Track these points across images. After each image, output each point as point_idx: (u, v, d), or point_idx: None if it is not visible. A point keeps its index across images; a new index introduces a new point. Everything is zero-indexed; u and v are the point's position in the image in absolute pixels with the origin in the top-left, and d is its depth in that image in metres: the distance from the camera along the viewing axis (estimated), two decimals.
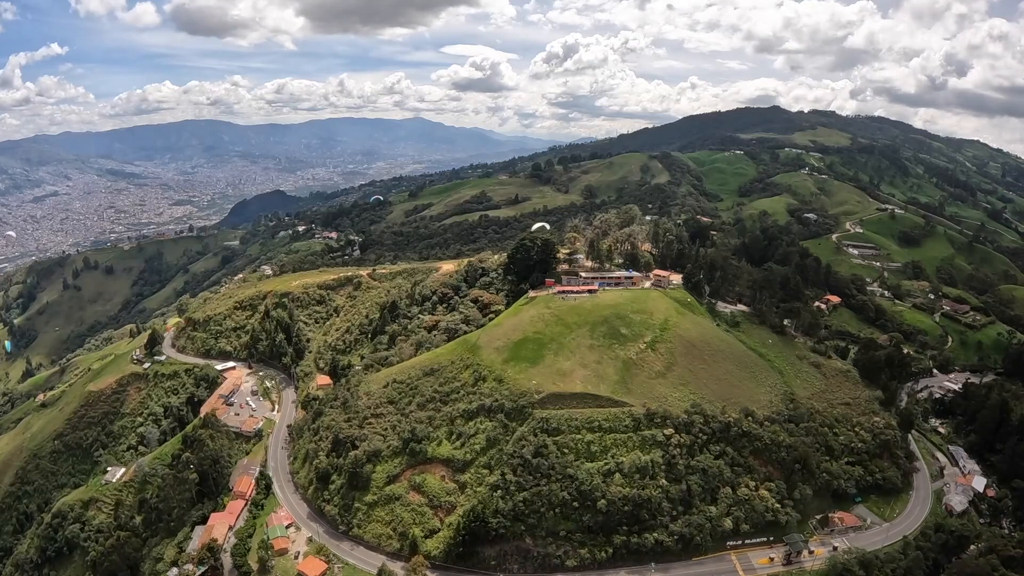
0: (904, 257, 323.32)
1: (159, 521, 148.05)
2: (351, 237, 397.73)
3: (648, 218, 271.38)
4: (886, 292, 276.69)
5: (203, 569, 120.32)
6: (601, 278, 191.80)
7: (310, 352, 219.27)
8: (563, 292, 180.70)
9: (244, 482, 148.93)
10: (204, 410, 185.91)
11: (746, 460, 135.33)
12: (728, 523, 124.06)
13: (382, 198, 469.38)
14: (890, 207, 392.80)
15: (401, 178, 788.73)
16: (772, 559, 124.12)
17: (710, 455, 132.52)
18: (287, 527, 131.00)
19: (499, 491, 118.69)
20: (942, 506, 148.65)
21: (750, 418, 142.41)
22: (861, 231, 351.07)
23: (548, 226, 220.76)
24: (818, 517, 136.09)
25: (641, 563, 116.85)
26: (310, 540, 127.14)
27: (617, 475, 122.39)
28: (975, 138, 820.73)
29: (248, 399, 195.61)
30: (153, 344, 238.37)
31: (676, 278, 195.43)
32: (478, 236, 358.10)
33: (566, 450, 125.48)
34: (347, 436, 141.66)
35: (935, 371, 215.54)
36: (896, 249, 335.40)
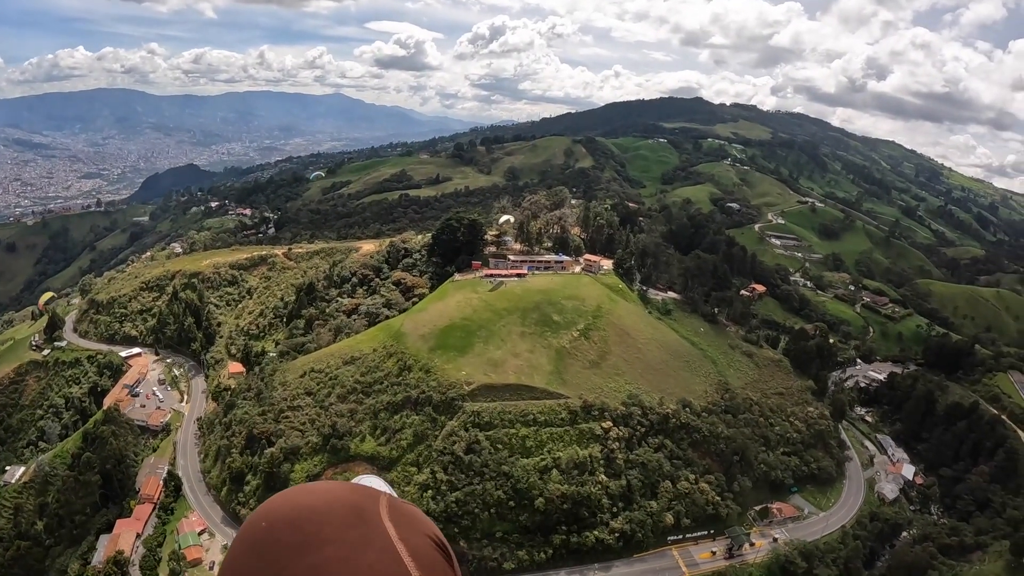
0: (825, 249, 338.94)
1: (61, 527, 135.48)
2: (266, 214, 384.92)
3: (575, 202, 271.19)
4: (808, 283, 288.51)
5: None
6: (531, 262, 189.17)
7: (221, 337, 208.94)
8: (491, 276, 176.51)
9: (151, 483, 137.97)
10: (107, 402, 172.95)
11: (685, 453, 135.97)
12: (669, 518, 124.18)
13: (323, 173, 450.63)
14: (810, 200, 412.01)
15: (319, 155, 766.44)
16: (714, 553, 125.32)
17: (649, 448, 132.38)
18: (200, 534, 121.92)
19: (430, 491, 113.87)
20: (875, 494, 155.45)
21: (688, 409, 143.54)
22: (783, 222, 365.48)
23: (513, 219, 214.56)
24: (757, 508, 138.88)
25: (582, 563, 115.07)
26: (225, 548, 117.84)
27: (554, 471, 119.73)
28: (890, 139, 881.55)
29: (155, 389, 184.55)
30: (53, 329, 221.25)
31: (607, 263, 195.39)
32: (398, 216, 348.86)
33: (500, 445, 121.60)
34: (262, 432, 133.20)
35: (859, 361, 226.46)
36: (817, 241, 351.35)
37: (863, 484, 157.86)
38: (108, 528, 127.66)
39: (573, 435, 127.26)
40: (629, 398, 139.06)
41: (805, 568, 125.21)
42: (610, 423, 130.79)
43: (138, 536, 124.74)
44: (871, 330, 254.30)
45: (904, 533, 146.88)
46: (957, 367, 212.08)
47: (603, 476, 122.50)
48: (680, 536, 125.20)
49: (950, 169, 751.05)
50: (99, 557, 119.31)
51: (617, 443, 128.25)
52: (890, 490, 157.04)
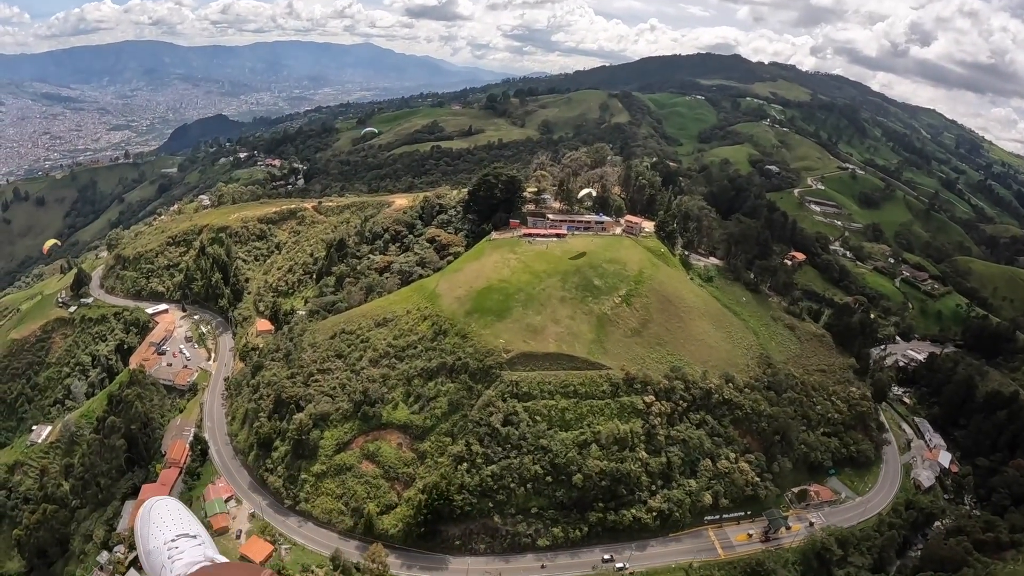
0: (864, 218, 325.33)
1: (87, 490, 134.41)
2: (295, 165, 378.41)
3: (608, 158, 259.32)
4: (848, 253, 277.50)
5: (135, 554, 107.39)
6: (570, 221, 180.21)
7: (249, 294, 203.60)
8: (529, 235, 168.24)
9: (178, 447, 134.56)
10: (134, 360, 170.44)
11: (726, 430, 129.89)
12: (708, 498, 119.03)
13: (375, 130, 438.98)
14: (850, 167, 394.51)
15: (349, 104, 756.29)
16: (751, 535, 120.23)
17: (690, 424, 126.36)
18: (226, 501, 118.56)
19: (464, 464, 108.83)
20: (911, 481, 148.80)
21: (731, 384, 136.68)
22: (823, 188, 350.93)
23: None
24: (795, 491, 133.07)
25: (617, 541, 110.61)
26: (253, 516, 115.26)
27: (594, 446, 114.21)
28: (930, 107, 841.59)
29: (182, 347, 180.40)
30: (80, 285, 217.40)
31: (648, 226, 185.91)
32: (430, 168, 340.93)
33: (538, 417, 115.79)
34: (291, 396, 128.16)
35: (898, 338, 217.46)
36: (856, 210, 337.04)
37: (899, 469, 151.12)
38: (134, 493, 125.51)
39: (614, 408, 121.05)
40: (672, 371, 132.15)
41: (840, 555, 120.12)
42: (652, 397, 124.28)
43: None
44: (910, 306, 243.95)
45: (937, 523, 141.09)
46: (997, 352, 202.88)
47: (643, 452, 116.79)
48: (717, 516, 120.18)
49: (990, 143, 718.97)
50: (124, 524, 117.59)
51: (659, 418, 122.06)
52: (926, 477, 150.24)
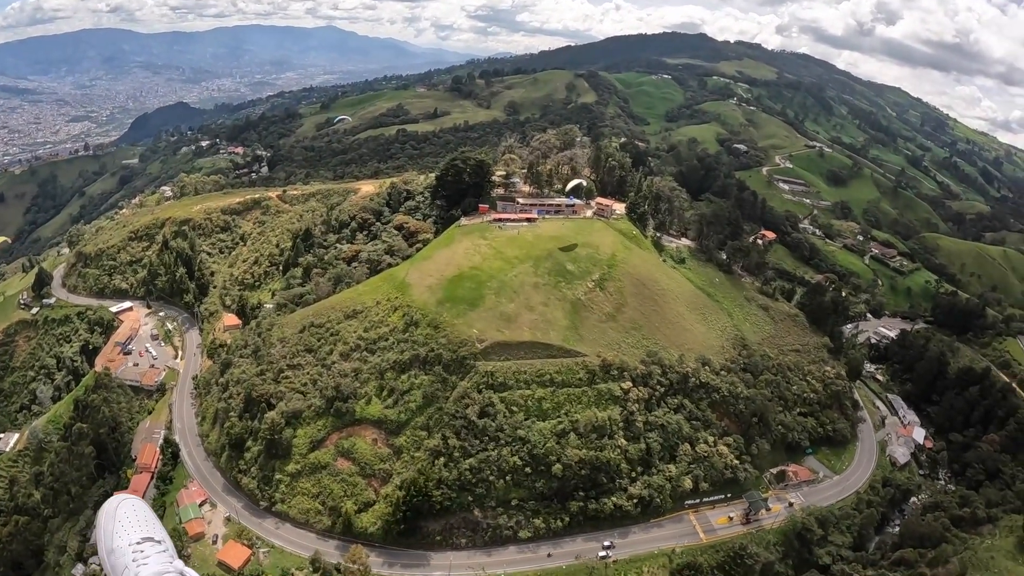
0: (833, 196, 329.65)
1: (58, 498, 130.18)
2: (258, 152, 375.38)
3: (578, 139, 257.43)
4: (818, 231, 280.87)
5: None
6: (540, 205, 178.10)
7: (215, 288, 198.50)
8: (499, 220, 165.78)
9: (148, 451, 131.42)
10: (99, 362, 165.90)
11: (704, 413, 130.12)
12: (688, 482, 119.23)
13: (348, 119, 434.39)
14: (818, 145, 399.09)
15: (312, 89, 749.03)
16: (731, 518, 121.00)
17: (668, 409, 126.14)
18: (200, 505, 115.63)
19: (441, 458, 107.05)
20: (886, 457, 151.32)
21: (707, 368, 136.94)
22: (791, 166, 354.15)
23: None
24: (774, 471, 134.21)
25: (599, 529, 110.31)
26: (228, 520, 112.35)
27: (572, 435, 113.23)
28: (896, 85, 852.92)
29: (148, 345, 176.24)
30: (41, 285, 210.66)
31: (619, 207, 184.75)
32: (396, 152, 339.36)
33: (515, 408, 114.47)
34: (261, 394, 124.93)
35: (869, 315, 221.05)
36: (825, 188, 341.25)
37: (875, 446, 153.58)
38: (106, 500, 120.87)
39: (591, 396, 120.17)
40: (648, 355, 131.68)
41: (821, 535, 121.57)
42: (630, 383, 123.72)
43: None
44: (880, 283, 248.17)
45: (914, 499, 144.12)
46: (967, 328, 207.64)
47: (622, 440, 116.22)
48: (697, 500, 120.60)
49: (955, 120, 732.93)
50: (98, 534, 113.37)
51: (636, 404, 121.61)
52: (901, 454, 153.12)
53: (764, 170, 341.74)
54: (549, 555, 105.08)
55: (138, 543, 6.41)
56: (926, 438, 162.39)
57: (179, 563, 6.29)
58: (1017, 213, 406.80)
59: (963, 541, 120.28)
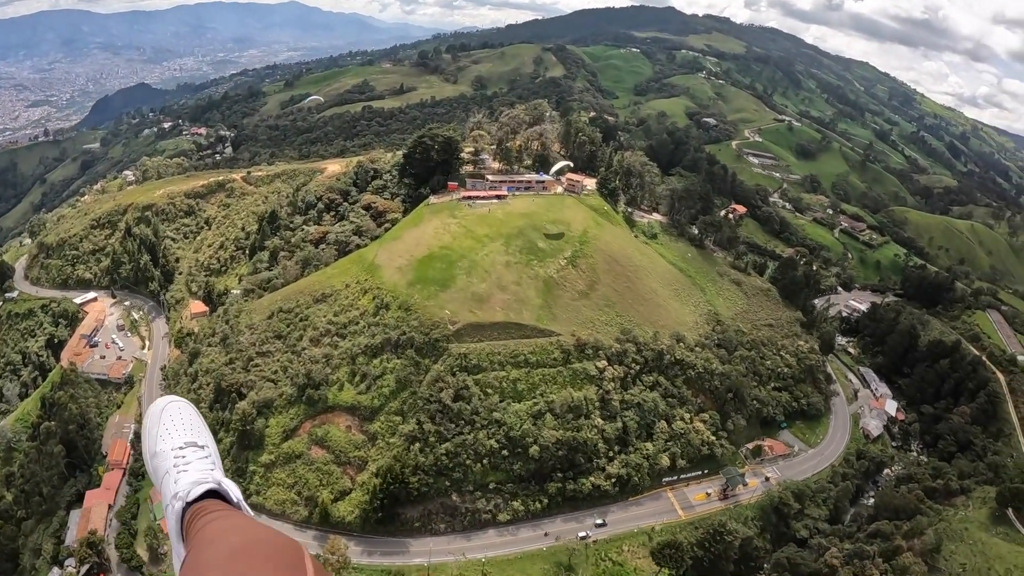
0: (802, 170, 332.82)
1: (30, 500, 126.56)
2: (222, 133, 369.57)
3: (547, 114, 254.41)
4: (788, 204, 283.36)
5: (87, 567, 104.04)
6: (510, 182, 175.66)
7: (180, 274, 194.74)
8: (469, 198, 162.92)
9: (119, 447, 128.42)
10: (65, 356, 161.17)
11: (680, 391, 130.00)
12: (665, 460, 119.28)
13: (320, 98, 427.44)
14: (787, 118, 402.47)
15: (276, 66, 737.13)
16: (709, 494, 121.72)
17: (644, 387, 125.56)
18: None
19: (417, 443, 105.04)
20: (860, 430, 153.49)
21: (682, 344, 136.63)
22: (760, 140, 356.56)
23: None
24: (750, 447, 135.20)
25: (578, 509, 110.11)
26: None
27: (548, 416, 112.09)
28: (864, 60, 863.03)
29: (114, 336, 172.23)
30: (3, 279, 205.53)
31: (590, 183, 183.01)
32: (362, 129, 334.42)
33: (490, 390, 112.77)
34: (231, 384, 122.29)
35: (839, 288, 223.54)
36: (794, 161, 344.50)
37: (848, 419, 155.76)
38: (79, 499, 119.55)
39: (567, 376, 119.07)
40: (622, 333, 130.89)
41: (798, 508, 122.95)
42: (605, 362, 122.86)
43: (110, 508, 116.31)
44: (850, 256, 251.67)
45: (887, 471, 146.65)
46: (936, 301, 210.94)
47: (599, 419, 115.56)
48: (675, 477, 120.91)
49: (922, 95, 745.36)
50: (72, 536, 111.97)
51: (612, 383, 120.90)
52: (874, 426, 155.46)
53: (734, 144, 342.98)
54: (530, 537, 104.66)
55: (180, 447, 6.21)
56: (898, 410, 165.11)
57: (219, 473, 6.00)
58: (984, 187, 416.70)
59: (937, 513, 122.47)
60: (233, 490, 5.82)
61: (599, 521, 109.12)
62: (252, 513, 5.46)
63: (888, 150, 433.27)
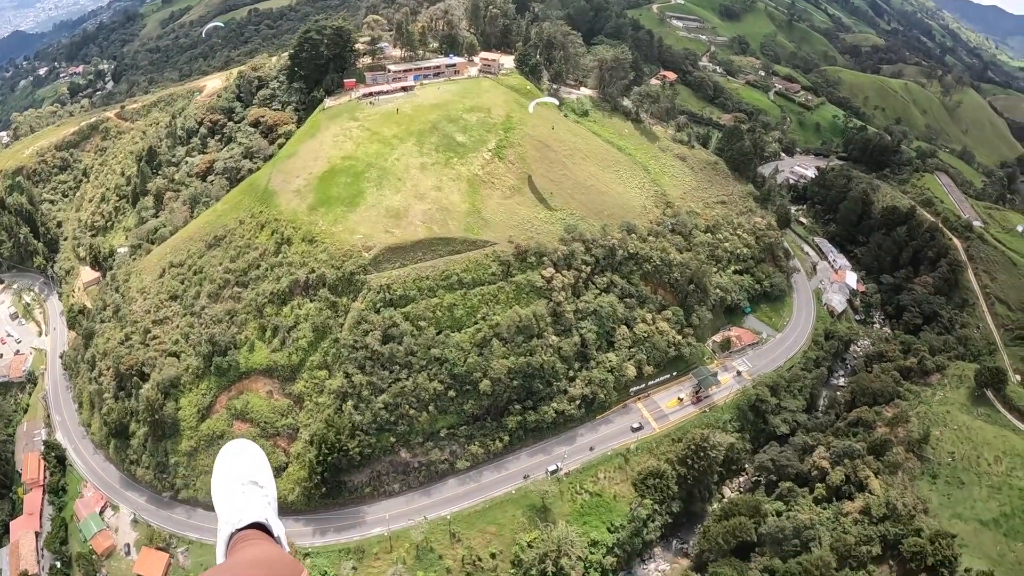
0: (728, 31, 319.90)
1: None
2: (100, 67, 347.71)
3: None
4: (719, 68, 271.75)
5: None
6: (416, 70, 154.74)
7: (65, 240, 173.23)
8: (370, 94, 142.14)
9: (31, 461, 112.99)
10: None
11: (637, 288, 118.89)
12: (631, 369, 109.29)
13: (221, 24, 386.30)
14: None
15: None
16: (681, 399, 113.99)
17: (598, 290, 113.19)
18: (101, 513, 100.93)
19: (349, 400, 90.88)
20: (823, 306, 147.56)
21: (633, 235, 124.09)
22: (682, 2, 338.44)
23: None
24: (717, 339, 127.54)
25: (543, 439, 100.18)
26: (135, 521, 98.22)
27: (495, 343, 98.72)
28: None
29: (8, 328, 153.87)
30: None
31: (508, 61, 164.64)
32: (250, 36, 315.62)
33: (423, 323, 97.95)
34: (130, 365, 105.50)
35: (782, 154, 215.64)
36: (719, 23, 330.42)
37: (811, 296, 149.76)
38: (4, 531, 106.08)
39: (510, 292, 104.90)
40: (566, 231, 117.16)
41: (775, 403, 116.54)
42: (551, 269, 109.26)
43: (37, 536, 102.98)
44: (788, 119, 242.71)
45: (854, 347, 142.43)
46: (883, 164, 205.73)
47: (553, 337, 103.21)
48: (643, 386, 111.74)
49: None
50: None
51: (562, 293, 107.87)
52: (838, 301, 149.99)
53: (655, 7, 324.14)
54: (496, 481, 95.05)
55: (243, 484, 6.88)
56: (858, 282, 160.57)
57: (270, 511, 6.57)
58: (910, 46, 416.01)
59: (916, 395, 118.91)
60: (277, 526, 6.44)
61: (591, 447, 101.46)
62: (288, 549, 6.29)
63: (811, 8, 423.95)
